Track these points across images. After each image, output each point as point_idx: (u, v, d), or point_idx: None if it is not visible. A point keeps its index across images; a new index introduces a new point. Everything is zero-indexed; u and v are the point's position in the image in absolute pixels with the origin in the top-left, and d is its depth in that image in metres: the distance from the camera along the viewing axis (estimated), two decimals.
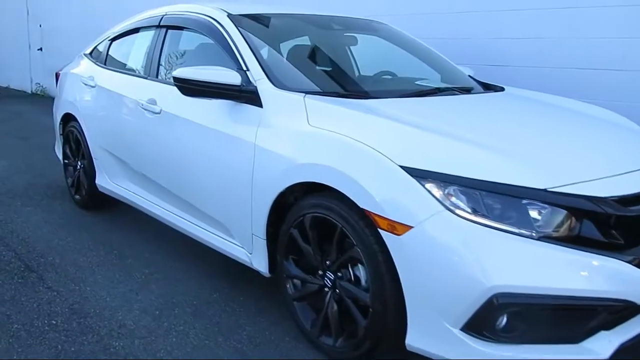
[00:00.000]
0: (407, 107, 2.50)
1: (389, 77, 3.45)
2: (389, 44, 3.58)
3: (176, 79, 2.62)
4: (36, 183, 5.04)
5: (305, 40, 3.24)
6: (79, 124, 4.05)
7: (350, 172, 2.06)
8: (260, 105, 2.53)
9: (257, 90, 2.58)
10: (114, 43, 4.00)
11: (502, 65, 4.39)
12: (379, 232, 1.98)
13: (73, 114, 4.13)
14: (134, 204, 3.53)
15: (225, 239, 2.76)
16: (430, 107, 2.63)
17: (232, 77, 2.56)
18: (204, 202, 2.84)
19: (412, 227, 1.88)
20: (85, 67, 4.12)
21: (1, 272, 3.16)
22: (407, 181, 1.92)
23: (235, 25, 2.90)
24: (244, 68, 2.69)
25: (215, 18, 3.02)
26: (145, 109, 3.22)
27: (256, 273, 2.65)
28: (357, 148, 2.08)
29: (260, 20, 3.10)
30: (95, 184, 3.99)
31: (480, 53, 4.46)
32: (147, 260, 3.34)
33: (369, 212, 2.00)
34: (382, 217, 1.95)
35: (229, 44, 2.85)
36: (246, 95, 2.58)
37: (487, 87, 3.24)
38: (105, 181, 3.86)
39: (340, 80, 3.05)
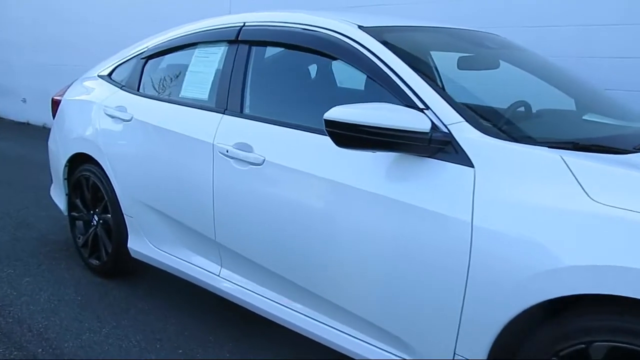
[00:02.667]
0: None
1: (524, 109, 2.66)
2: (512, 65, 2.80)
3: (331, 124, 1.75)
4: (23, 237, 3.95)
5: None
6: (101, 168, 3.06)
7: None
8: (469, 164, 1.69)
9: (454, 139, 1.74)
10: (150, 63, 3.03)
11: None
12: None
13: (91, 155, 3.13)
14: (206, 284, 2.59)
15: (395, 356, 1.89)
16: None
17: (419, 121, 1.72)
18: (356, 300, 1.97)
19: None
20: (108, 94, 3.13)
21: None
22: None
23: (382, 42, 2.05)
24: (420, 105, 1.84)
25: (341, 31, 2.16)
26: (232, 157, 2.31)
27: None
28: None
29: (404, 35, 2.26)
30: (127, 248, 3.01)
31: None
32: None
33: None
34: None
35: (378, 68, 2.00)
36: (436, 146, 1.74)
37: None
38: (146, 246, 2.89)
39: (546, 122, 2.24)
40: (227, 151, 2.32)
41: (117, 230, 3.07)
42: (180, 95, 2.74)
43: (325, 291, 2.04)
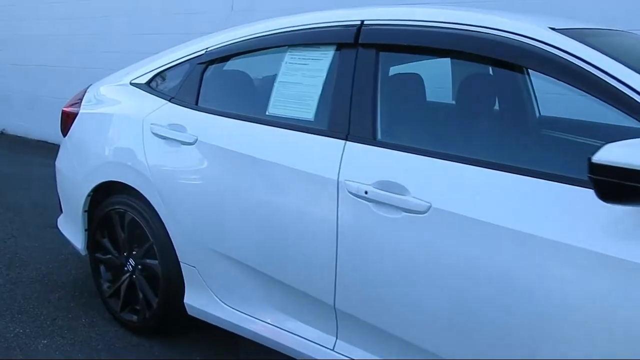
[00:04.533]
0: None
1: None
2: None
3: (601, 170, 1.21)
4: (20, 279, 3.21)
5: None
6: (146, 203, 2.41)
7: None
8: None
9: None
10: (211, 69, 2.39)
11: None
12: None
13: (131, 185, 2.46)
14: (309, 358, 1.98)
15: None
16: None
17: None
18: None
19: None
20: (152, 108, 2.47)
21: None
22: None
23: (591, 47, 1.53)
24: None
25: (529, 34, 1.62)
26: (372, 200, 1.72)
27: None
28: None
29: (604, 40, 1.74)
30: (182, 303, 2.37)
31: None
32: None
33: None
34: None
35: (595, 78, 1.47)
36: None
37: None
38: (213, 304, 2.27)
39: None
40: (366, 192, 1.74)
41: (167, 280, 2.42)
42: (267, 113, 2.12)
43: None
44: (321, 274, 1.88)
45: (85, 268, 3.32)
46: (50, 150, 7.11)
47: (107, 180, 2.58)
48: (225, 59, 2.37)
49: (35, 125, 7.51)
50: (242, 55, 2.33)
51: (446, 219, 1.60)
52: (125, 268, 2.62)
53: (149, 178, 2.37)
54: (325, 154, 1.88)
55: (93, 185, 2.64)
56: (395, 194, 1.68)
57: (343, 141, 1.87)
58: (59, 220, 3.10)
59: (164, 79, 2.58)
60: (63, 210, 3.00)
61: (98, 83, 3.01)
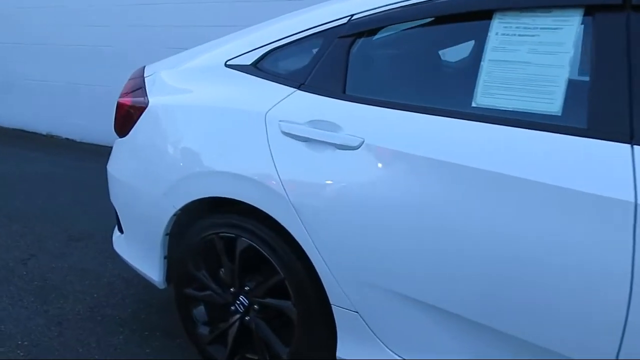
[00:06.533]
0: None
1: None
2: None
3: None
4: (65, 317, 2.55)
5: None
6: (274, 226, 1.80)
7: None
8: None
9: None
10: (361, 44, 1.77)
11: None
12: None
13: (249, 202, 1.84)
14: None
15: None
16: None
17: None
18: None
19: None
20: (274, 99, 1.84)
21: None
22: None
23: None
24: None
25: None
26: None
27: None
28: None
29: None
30: (328, 355, 1.79)
31: None
32: None
33: None
34: None
35: None
36: None
37: None
38: None
39: None
40: None
41: (308, 327, 1.83)
42: (474, 104, 1.54)
43: None
44: (600, 333, 1.33)
45: (140, 295, 2.69)
46: (31, 140, 6.27)
47: (207, 196, 1.94)
48: (381, 30, 1.75)
49: (8, 111, 6.63)
50: (409, 25, 1.72)
51: None
52: (233, 308, 2.01)
53: (282, 194, 1.75)
54: (598, 165, 1.32)
55: (184, 202, 2.00)
56: None
57: (628, 146, 1.30)
58: (116, 242, 2.44)
59: (280, 59, 1.94)
60: (125, 230, 2.34)
61: (158, 65, 2.34)
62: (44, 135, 6.47)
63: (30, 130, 6.57)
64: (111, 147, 2.37)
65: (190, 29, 4.90)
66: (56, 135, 6.38)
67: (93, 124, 5.75)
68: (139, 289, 2.78)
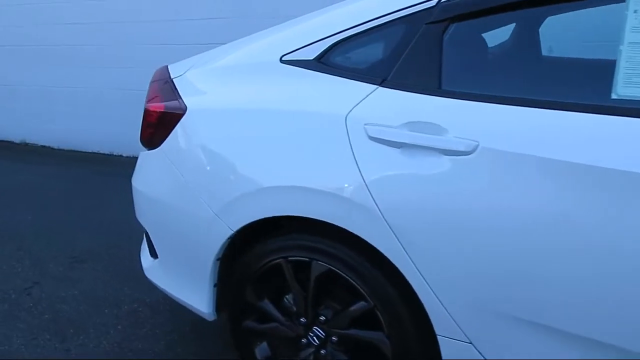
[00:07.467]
0: None
1: None
2: None
3: None
4: (83, 353, 2.23)
5: None
6: (361, 248, 1.54)
7: None
8: None
9: None
10: (455, 31, 1.52)
11: None
12: None
13: (329, 221, 1.57)
14: None
15: None
16: None
17: None
18: None
19: None
20: (352, 98, 1.57)
21: None
22: None
23: None
24: None
25: None
26: None
27: None
28: None
29: None
30: None
31: None
32: None
33: None
34: None
35: None
36: None
37: None
38: None
39: None
40: None
41: (401, 359, 1.58)
42: (615, 95, 1.30)
43: None
44: None
45: (170, 323, 2.39)
46: (5, 149, 5.80)
47: (274, 215, 1.66)
48: (481, 13, 1.50)
49: None
50: (514, 8, 1.47)
51: None
52: (304, 340, 1.74)
53: (372, 209, 1.49)
54: None
55: (243, 223, 1.72)
56: None
57: None
58: (150, 269, 2.14)
59: (352, 51, 1.67)
60: (160, 255, 2.04)
61: (184, 64, 2.04)
62: (17, 144, 6.01)
63: (4, 139, 6.10)
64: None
65: (171, 23, 4.53)
66: (31, 143, 5.93)
67: (71, 129, 5.33)
68: (167, 315, 2.49)
